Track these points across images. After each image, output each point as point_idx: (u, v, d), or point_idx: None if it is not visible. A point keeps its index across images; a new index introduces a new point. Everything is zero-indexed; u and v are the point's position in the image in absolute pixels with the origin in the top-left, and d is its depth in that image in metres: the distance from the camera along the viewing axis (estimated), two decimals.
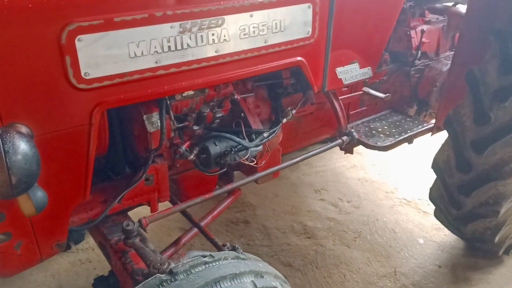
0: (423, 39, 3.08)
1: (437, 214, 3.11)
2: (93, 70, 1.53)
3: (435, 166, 2.81)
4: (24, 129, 1.45)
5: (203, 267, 1.53)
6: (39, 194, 1.43)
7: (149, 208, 2.10)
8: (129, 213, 2.12)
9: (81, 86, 1.52)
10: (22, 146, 1.29)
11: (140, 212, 2.22)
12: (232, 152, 2.07)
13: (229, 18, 1.80)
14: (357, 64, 2.55)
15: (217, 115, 2.11)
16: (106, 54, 1.53)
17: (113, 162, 2.13)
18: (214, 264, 1.56)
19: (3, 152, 1.23)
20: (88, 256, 3.03)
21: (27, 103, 1.44)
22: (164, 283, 1.46)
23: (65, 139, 1.57)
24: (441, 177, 2.81)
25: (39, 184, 1.46)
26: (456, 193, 2.74)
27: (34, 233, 1.65)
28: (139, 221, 1.82)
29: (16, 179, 1.26)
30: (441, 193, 2.87)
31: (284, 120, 2.36)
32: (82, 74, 1.51)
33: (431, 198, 3.03)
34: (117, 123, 1.98)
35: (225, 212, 3.37)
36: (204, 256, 1.61)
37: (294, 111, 2.40)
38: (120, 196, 1.90)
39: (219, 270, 1.53)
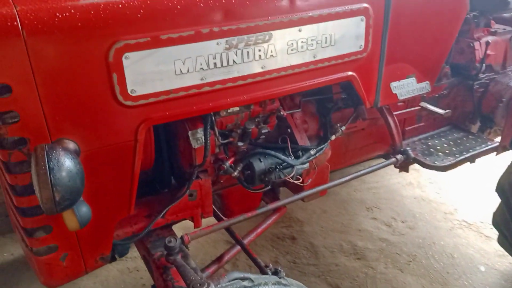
0: (488, 51, 2.85)
1: (500, 241, 2.85)
2: (139, 87, 1.54)
3: (500, 189, 2.58)
4: (71, 145, 1.48)
5: None
6: (84, 209, 1.45)
7: None
8: (176, 224, 2.12)
9: (128, 103, 1.53)
10: (67, 164, 1.31)
11: (186, 224, 2.21)
12: (277, 169, 2.01)
13: (276, 34, 1.75)
14: (414, 78, 2.40)
15: (263, 131, 2.06)
16: (152, 71, 1.54)
17: (160, 175, 2.14)
18: None
19: (47, 169, 1.25)
20: (136, 265, 3.09)
21: (75, 119, 1.47)
22: None
23: (111, 155, 1.59)
24: (506, 201, 2.57)
25: (84, 198, 1.48)
26: None
27: (79, 246, 1.68)
28: (182, 237, 1.81)
29: (59, 196, 1.28)
30: (505, 218, 2.62)
31: (333, 137, 2.26)
32: (129, 91, 1.52)
33: (495, 223, 2.78)
34: (164, 137, 2.00)
35: (271, 227, 3.31)
36: (243, 280, 1.55)
37: (344, 128, 2.29)
38: (164, 212, 1.90)
39: None
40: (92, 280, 2.97)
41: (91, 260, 1.75)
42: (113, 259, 1.91)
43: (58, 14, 1.34)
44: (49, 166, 1.26)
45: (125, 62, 1.47)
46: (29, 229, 1.58)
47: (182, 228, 2.35)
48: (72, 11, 1.37)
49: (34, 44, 1.31)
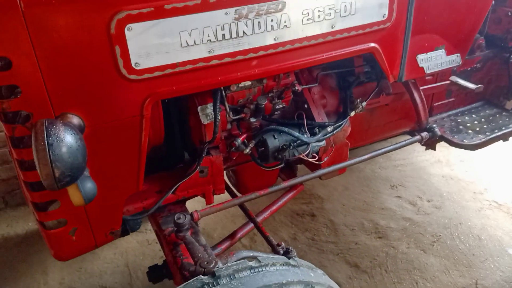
0: None
1: None
2: (144, 60, 1.47)
3: None
4: (75, 120, 1.45)
5: (248, 272, 1.44)
6: (89, 185, 1.43)
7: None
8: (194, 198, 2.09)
9: (132, 77, 1.48)
10: (67, 139, 1.28)
11: (201, 199, 2.18)
12: (291, 147, 1.93)
13: (290, 2, 1.64)
14: (443, 50, 2.24)
15: (277, 107, 1.98)
16: (157, 44, 1.47)
17: (173, 151, 2.11)
18: (260, 270, 1.46)
19: (46, 144, 1.22)
20: (155, 238, 3.10)
21: (78, 94, 1.44)
22: (206, 286, 1.39)
23: (116, 130, 1.56)
24: None
25: (91, 174, 1.46)
26: None
27: (88, 221, 1.68)
28: (191, 214, 1.78)
29: (59, 172, 1.25)
30: None
31: (353, 113, 2.15)
32: (133, 64, 1.46)
33: None
34: (175, 111, 1.95)
35: (290, 202, 3.26)
36: (251, 260, 1.51)
37: (364, 103, 2.17)
38: (174, 188, 1.87)
39: (264, 277, 1.42)
40: (112, 251, 3.03)
41: (101, 235, 1.75)
42: (125, 233, 1.91)
43: None
44: (48, 142, 1.23)
45: (127, 33, 1.41)
46: (38, 203, 1.58)
47: (199, 202, 2.32)
48: None
49: (32, 15, 1.27)
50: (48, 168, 1.24)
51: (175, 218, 1.72)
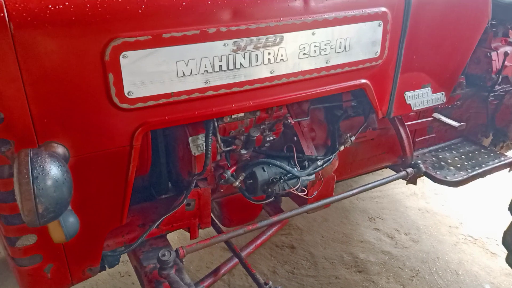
0: (506, 62, 2.72)
1: (509, 261, 2.72)
2: (138, 89, 1.41)
3: None
4: (60, 149, 1.36)
5: None
6: (71, 220, 1.33)
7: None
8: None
9: (124, 106, 1.40)
10: (53, 171, 1.18)
11: (180, 232, 2.08)
12: (281, 180, 1.88)
13: (288, 36, 1.62)
14: (429, 88, 2.28)
15: (268, 139, 1.94)
16: (152, 72, 1.41)
17: (157, 181, 2.02)
18: None
19: (31, 178, 1.12)
20: (127, 269, 2.96)
21: (66, 122, 1.35)
22: None
23: (103, 161, 1.47)
24: None
25: (73, 207, 1.36)
26: None
27: (66, 257, 1.56)
28: (176, 250, 1.68)
29: (43, 208, 1.15)
30: None
31: (342, 148, 2.14)
32: (126, 93, 1.39)
33: (505, 242, 2.64)
34: (163, 140, 1.87)
35: None
36: None
37: (353, 138, 2.17)
38: (159, 222, 1.77)
39: None
40: (81, 284, 2.83)
41: (78, 272, 1.63)
42: (102, 269, 1.79)
43: (50, 6, 1.21)
44: (32, 175, 1.13)
45: (122, 61, 1.34)
46: (12, 238, 1.45)
47: (178, 233, 2.22)
48: (66, 3, 1.24)
49: (22, 38, 1.18)
50: (31, 203, 1.13)
51: (160, 255, 1.62)
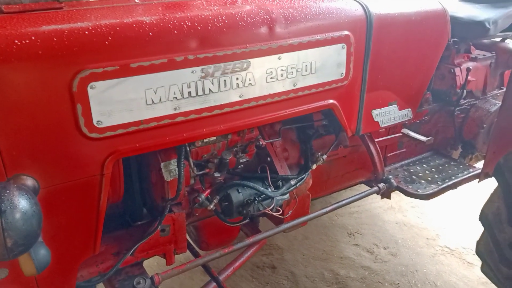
0: (469, 77, 2.84)
1: (484, 270, 2.78)
2: (106, 118, 1.43)
3: (483, 218, 2.52)
4: (29, 182, 1.35)
5: None
6: (42, 252, 1.32)
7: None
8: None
9: (93, 135, 1.42)
10: (22, 204, 1.18)
11: (159, 258, 2.06)
12: (256, 201, 1.91)
13: (255, 61, 1.68)
14: (395, 105, 2.36)
15: (241, 161, 1.97)
16: (120, 101, 1.43)
17: (131, 208, 2.02)
18: None
19: None
20: None
21: (34, 154, 1.35)
22: None
23: (74, 191, 1.47)
24: (490, 231, 2.50)
25: (44, 238, 1.35)
26: (507, 250, 2.43)
27: None
28: (152, 278, 1.68)
29: (12, 242, 1.15)
30: (489, 248, 2.56)
31: (314, 166, 2.18)
32: (94, 122, 1.41)
33: (478, 252, 2.71)
34: (135, 167, 1.88)
35: None
36: None
37: (325, 156, 2.22)
38: (133, 250, 1.76)
39: None
40: None
41: None
42: None
43: (16, 41, 1.23)
44: (0, 209, 1.13)
45: (90, 92, 1.37)
46: None
47: (157, 258, 2.20)
48: (33, 38, 1.26)
49: None
50: (0, 237, 1.13)
51: (135, 283, 1.63)
